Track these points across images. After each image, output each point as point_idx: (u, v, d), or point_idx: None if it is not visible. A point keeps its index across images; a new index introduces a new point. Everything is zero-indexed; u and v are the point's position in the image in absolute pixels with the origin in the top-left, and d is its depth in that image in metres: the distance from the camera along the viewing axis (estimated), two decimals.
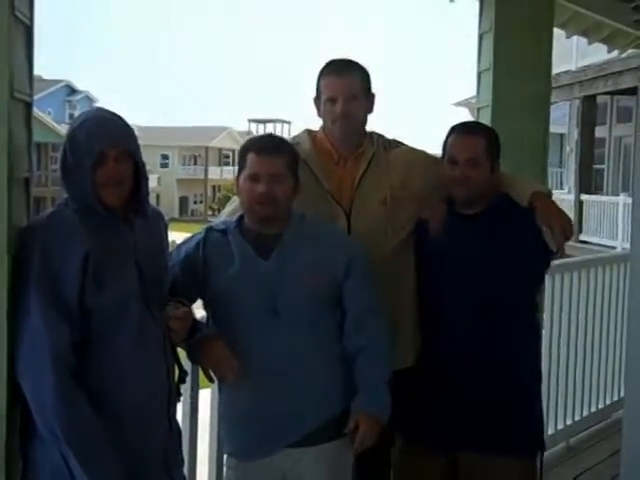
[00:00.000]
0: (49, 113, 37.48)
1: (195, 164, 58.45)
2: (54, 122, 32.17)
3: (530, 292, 2.73)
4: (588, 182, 17.21)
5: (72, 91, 46.39)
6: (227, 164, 56.26)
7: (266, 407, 2.41)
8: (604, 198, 17.07)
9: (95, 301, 2.07)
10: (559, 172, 21.28)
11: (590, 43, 6.78)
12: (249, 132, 52.19)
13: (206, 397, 2.93)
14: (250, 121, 61.46)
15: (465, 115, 18.44)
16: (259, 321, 2.39)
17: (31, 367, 2.01)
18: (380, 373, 2.46)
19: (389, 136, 2.88)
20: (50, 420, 1.99)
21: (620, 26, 5.51)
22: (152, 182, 49.35)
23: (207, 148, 56.50)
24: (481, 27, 3.78)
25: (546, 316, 4.44)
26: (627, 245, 12.83)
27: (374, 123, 2.82)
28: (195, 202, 57.97)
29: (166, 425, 2.26)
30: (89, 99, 46.13)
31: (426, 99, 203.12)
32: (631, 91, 15.10)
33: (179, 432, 2.39)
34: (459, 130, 2.69)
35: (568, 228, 2.61)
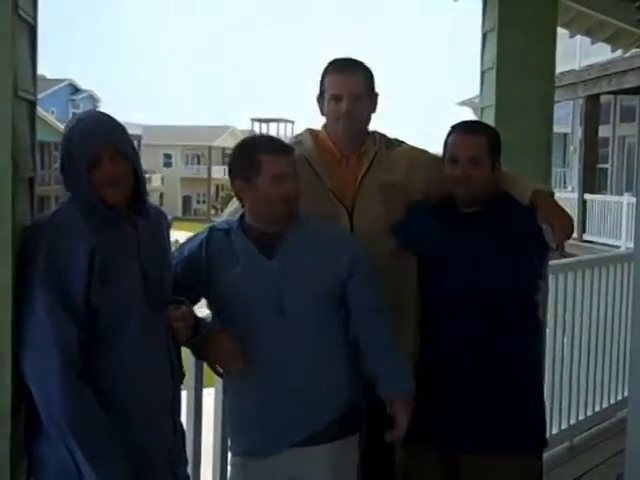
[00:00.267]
0: (52, 112, 37.54)
1: (198, 163, 58.55)
2: (57, 121, 32.19)
3: (530, 290, 2.71)
4: (592, 181, 17.19)
5: (75, 90, 46.48)
6: None
7: (272, 406, 2.41)
8: (608, 197, 17.05)
9: (101, 299, 2.07)
10: (563, 172, 21.27)
11: (594, 42, 6.78)
12: (252, 131, 52.19)
13: (210, 396, 2.94)
14: (253, 120, 61.50)
15: (468, 115, 18.45)
16: (264, 320, 2.39)
17: (37, 363, 2.01)
18: (397, 358, 2.49)
19: (391, 135, 2.88)
20: (57, 415, 1.99)
21: (624, 25, 5.50)
22: (155, 181, 49.65)
23: (210, 147, 56.58)
24: (484, 26, 3.77)
25: (550, 315, 4.43)
26: (631, 244, 12.80)
27: (377, 122, 2.83)
28: (198, 201, 58.07)
29: (170, 424, 2.26)
30: (92, 98, 46.24)
31: (429, 98, 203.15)
32: (635, 90, 15.10)
33: (183, 431, 2.39)
34: (460, 129, 2.69)
35: (569, 226, 2.61)
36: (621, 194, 16.71)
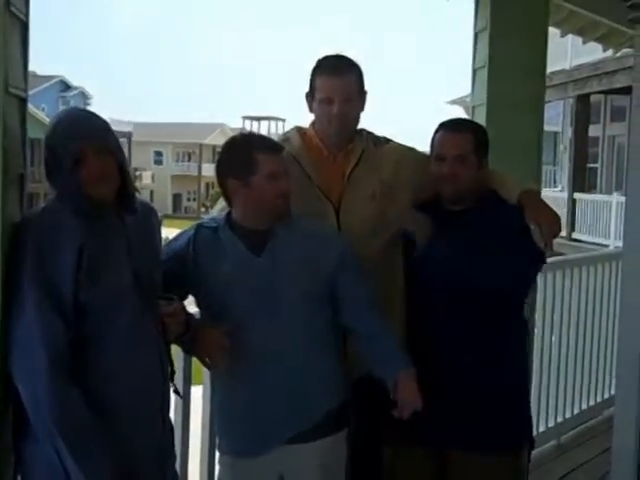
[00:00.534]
0: (43, 109, 37.33)
1: (189, 161, 58.45)
2: (48, 118, 32.08)
3: (516, 290, 2.71)
4: (582, 181, 17.25)
5: (66, 87, 46.27)
6: None
7: (262, 403, 2.42)
8: (597, 197, 17.11)
9: (89, 297, 2.06)
10: (553, 170, 21.32)
11: (585, 42, 6.79)
12: (243, 129, 52.11)
13: (198, 393, 2.94)
14: (244, 118, 61.41)
15: (460, 113, 18.44)
16: (253, 317, 2.40)
17: (25, 363, 2.00)
18: (395, 341, 2.52)
19: (380, 134, 2.89)
20: (44, 416, 1.98)
21: (615, 25, 5.52)
22: (146, 179, 49.46)
23: (201, 145, 56.46)
24: (476, 25, 3.78)
25: (538, 314, 4.45)
26: (619, 243, 12.85)
27: (368, 121, 2.83)
28: (189, 199, 57.97)
29: (160, 421, 2.26)
30: (83, 95, 46.05)
31: (420, 97, 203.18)
32: (625, 90, 15.10)
33: (172, 429, 2.39)
34: (446, 127, 2.69)
35: (556, 225, 2.63)
36: (610, 193, 16.78)
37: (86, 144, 2.09)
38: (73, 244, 2.04)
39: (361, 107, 2.75)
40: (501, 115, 3.60)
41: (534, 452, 2.83)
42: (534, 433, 2.98)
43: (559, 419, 4.82)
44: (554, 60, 12.16)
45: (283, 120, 58.59)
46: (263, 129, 52.49)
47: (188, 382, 2.90)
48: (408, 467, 2.74)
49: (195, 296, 2.52)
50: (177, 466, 2.51)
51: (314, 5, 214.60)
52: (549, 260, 4.62)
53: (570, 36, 7.27)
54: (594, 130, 18.05)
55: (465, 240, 2.63)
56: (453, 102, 20.80)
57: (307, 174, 2.67)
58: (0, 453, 2.09)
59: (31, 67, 2.32)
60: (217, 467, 2.69)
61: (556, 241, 2.69)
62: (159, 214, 2.45)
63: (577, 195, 16.93)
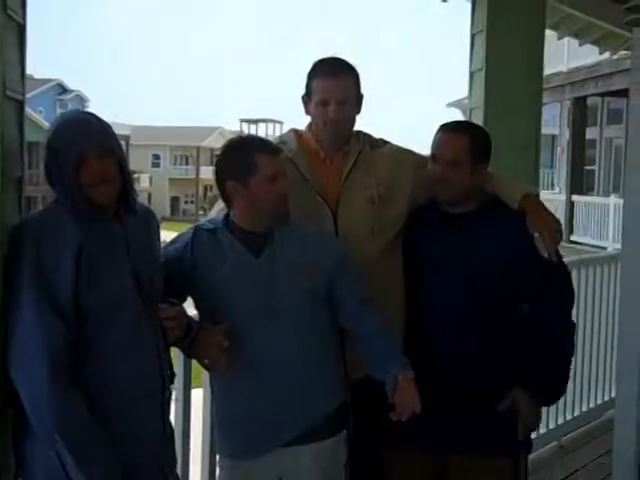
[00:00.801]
0: (40, 112, 37.31)
1: (187, 164, 58.41)
2: (45, 121, 32.06)
3: (517, 292, 2.67)
4: (579, 183, 17.27)
5: (63, 90, 46.22)
6: None
7: (263, 405, 2.41)
8: (595, 199, 17.13)
9: (89, 298, 2.06)
10: (550, 173, 21.34)
11: (581, 44, 6.81)
12: (241, 132, 52.11)
13: (198, 396, 2.93)
14: (242, 121, 61.41)
15: (458, 116, 18.46)
16: (253, 319, 2.39)
17: (26, 368, 1.99)
18: (395, 340, 2.52)
19: (377, 136, 2.88)
20: (46, 420, 1.98)
21: (612, 28, 5.53)
22: (144, 182, 49.41)
23: (199, 148, 56.45)
24: (473, 27, 3.78)
25: None
26: (618, 245, 12.86)
27: (365, 124, 2.82)
28: (186, 202, 57.91)
29: (160, 425, 2.25)
30: (80, 98, 46.00)
31: (418, 100, 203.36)
32: (622, 93, 15.13)
33: (172, 432, 2.39)
34: (445, 128, 2.67)
35: (558, 233, 2.62)
36: (608, 195, 16.80)
37: (87, 147, 2.08)
38: (72, 246, 2.04)
39: (357, 110, 2.74)
40: (498, 117, 3.59)
41: (534, 454, 2.82)
42: (534, 435, 2.97)
43: (560, 421, 4.82)
44: (551, 62, 12.20)
45: (280, 122, 58.56)
46: (260, 132, 52.42)
47: (188, 385, 2.90)
48: (407, 470, 2.74)
49: (194, 298, 2.51)
50: (178, 469, 2.51)
51: (309, 7, 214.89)
52: None
53: (567, 39, 7.30)
54: (591, 132, 18.07)
55: (462, 243, 2.63)
56: (451, 105, 20.81)
57: (304, 176, 2.67)
58: (1, 455, 2.09)
59: (28, 70, 2.32)
60: (217, 470, 2.68)
61: None
62: (158, 217, 2.46)
63: (575, 197, 16.94)
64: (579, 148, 17.06)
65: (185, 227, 2.84)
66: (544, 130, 4.76)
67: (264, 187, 2.38)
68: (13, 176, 2.19)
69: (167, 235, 2.64)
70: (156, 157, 57.01)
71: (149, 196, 48.77)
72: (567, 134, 18.19)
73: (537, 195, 2.75)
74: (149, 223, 2.34)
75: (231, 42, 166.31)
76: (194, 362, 2.63)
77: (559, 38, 6.69)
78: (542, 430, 4.56)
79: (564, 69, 16.90)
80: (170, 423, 2.36)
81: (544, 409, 4.54)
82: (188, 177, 56.83)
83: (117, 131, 2.24)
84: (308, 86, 2.70)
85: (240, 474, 2.49)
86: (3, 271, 2.05)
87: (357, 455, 2.63)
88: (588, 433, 5.02)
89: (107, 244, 2.14)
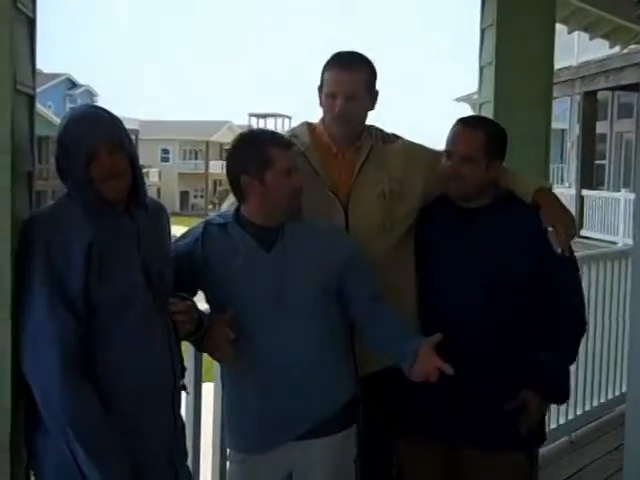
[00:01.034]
0: (50, 107, 37.46)
1: (196, 158, 58.52)
2: (55, 116, 32.14)
3: (530, 291, 2.66)
4: (589, 177, 17.22)
5: (73, 85, 46.38)
6: None
7: (274, 400, 2.42)
8: (605, 193, 17.08)
9: (99, 293, 2.06)
10: (560, 167, 21.27)
11: (592, 38, 6.78)
12: (250, 126, 52.15)
13: (209, 390, 2.94)
14: (250, 115, 61.49)
15: (466, 110, 18.44)
16: (265, 314, 2.40)
17: (37, 361, 2.00)
18: (408, 326, 2.52)
19: (388, 130, 2.87)
20: (58, 414, 1.99)
21: (622, 22, 5.51)
22: (153, 176, 49.49)
23: (208, 142, 56.53)
24: (483, 22, 3.77)
25: None
26: (628, 240, 12.83)
27: (374, 118, 2.80)
28: (196, 196, 58.03)
29: (171, 419, 2.26)
30: (90, 93, 46.14)
31: (427, 94, 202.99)
32: (632, 87, 15.08)
33: (183, 425, 2.39)
34: (461, 123, 2.66)
35: (572, 228, 2.61)
36: (618, 190, 16.74)
37: (98, 142, 2.08)
38: (83, 242, 2.04)
39: (368, 106, 2.72)
40: (508, 112, 3.57)
41: (545, 449, 2.82)
42: (545, 430, 2.96)
43: (570, 416, 4.81)
44: (561, 57, 12.14)
45: (289, 117, 58.66)
46: (269, 126, 52.43)
47: (199, 379, 2.91)
48: (418, 464, 2.74)
49: (205, 292, 2.52)
50: (189, 462, 2.51)
51: (318, 3, 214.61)
52: None
53: (577, 32, 7.26)
54: (601, 127, 18.01)
55: (476, 238, 2.62)
56: (460, 99, 20.78)
57: (315, 170, 2.66)
58: (13, 448, 2.10)
59: (37, 65, 2.32)
60: (228, 464, 2.69)
61: None
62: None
63: (585, 192, 16.89)
64: (589, 142, 17.01)
65: (194, 222, 2.84)
66: (554, 125, 4.74)
67: (280, 181, 2.38)
68: (24, 171, 2.19)
69: (176, 230, 2.64)
70: (165, 152, 57.14)
71: (158, 191, 48.90)
72: (577, 128, 18.13)
73: (551, 189, 2.74)
74: (160, 217, 2.34)
75: (240, 37, 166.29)
76: (205, 356, 2.63)
77: (569, 32, 6.66)
78: (552, 425, 4.56)
79: (574, 63, 16.83)
80: (181, 417, 2.37)
81: (554, 406, 4.55)
82: (197, 172, 56.94)
83: (126, 126, 2.24)
84: (322, 77, 2.69)
85: (251, 468, 2.49)
86: (14, 266, 2.06)
87: (367, 450, 2.63)
88: (598, 428, 5.00)
89: (118, 239, 2.14)
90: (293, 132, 2.78)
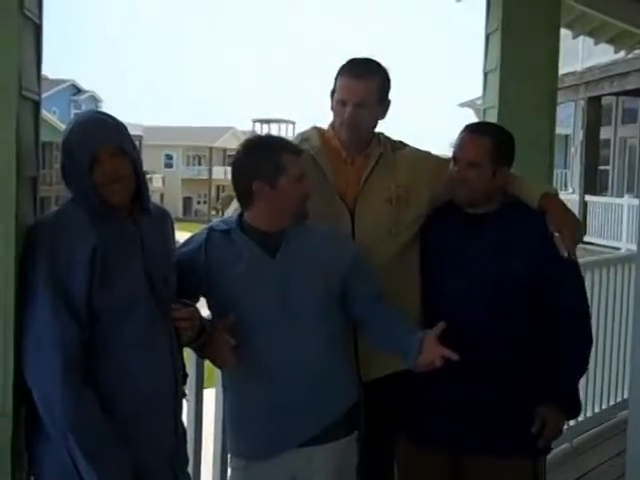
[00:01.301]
0: (54, 112, 37.53)
1: (199, 164, 58.54)
2: (59, 121, 32.23)
3: (535, 295, 2.66)
4: (593, 183, 17.21)
5: (77, 91, 46.46)
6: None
7: (276, 406, 2.41)
8: (609, 199, 17.06)
9: (102, 299, 2.07)
10: (564, 173, 21.26)
11: (596, 43, 6.78)
12: (253, 132, 52.19)
13: (211, 396, 2.94)
14: (254, 121, 61.53)
15: (470, 115, 18.43)
16: (268, 320, 2.39)
17: (39, 366, 2.00)
18: (411, 322, 2.52)
19: (394, 137, 2.88)
20: (59, 419, 1.99)
21: (627, 26, 5.51)
22: (156, 182, 49.55)
23: (211, 148, 56.57)
24: (488, 27, 3.77)
25: None
26: (631, 246, 12.82)
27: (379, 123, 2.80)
28: (199, 202, 58.07)
29: (172, 425, 2.26)
30: (94, 99, 46.23)
31: (431, 100, 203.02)
32: (636, 92, 15.11)
33: (184, 432, 2.40)
34: (468, 129, 2.66)
35: (578, 232, 2.61)
36: (622, 196, 16.74)
37: (101, 146, 2.10)
38: (87, 246, 2.05)
39: (379, 115, 2.72)
40: (512, 117, 3.57)
41: (548, 455, 2.80)
42: None
43: (572, 422, 4.79)
44: (565, 62, 12.15)
45: (293, 123, 58.72)
46: (273, 132, 52.53)
47: (200, 385, 2.91)
48: (422, 471, 2.73)
49: (207, 299, 2.51)
50: (189, 468, 2.51)
51: (322, 7, 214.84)
52: None
53: (582, 37, 7.27)
54: (605, 132, 18.00)
55: (482, 244, 2.62)
56: (464, 105, 20.77)
57: (324, 176, 2.67)
58: (14, 452, 2.10)
59: (42, 71, 2.33)
60: (229, 471, 2.68)
61: None
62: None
63: (588, 198, 16.87)
64: (593, 148, 17.00)
65: (197, 227, 2.84)
66: (558, 130, 4.74)
67: (292, 187, 2.39)
68: (28, 176, 2.20)
69: (180, 235, 2.64)
70: (169, 157, 57.19)
71: (162, 196, 48.93)
72: (581, 134, 18.12)
73: (557, 194, 2.74)
74: (163, 223, 2.35)
75: (244, 43, 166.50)
76: (207, 362, 2.63)
77: (574, 37, 6.66)
78: None
79: (578, 68, 16.83)
80: (182, 423, 2.36)
81: None
82: (201, 177, 56.96)
83: (130, 131, 2.25)
84: (335, 83, 2.70)
85: (253, 475, 2.49)
86: (18, 272, 2.06)
87: (370, 456, 2.63)
88: (601, 434, 4.99)
89: (121, 244, 2.14)
90: (303, 136, 2.78)
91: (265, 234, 2.44)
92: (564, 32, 4.65)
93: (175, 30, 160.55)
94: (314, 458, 2.44)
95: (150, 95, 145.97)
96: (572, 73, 16.33)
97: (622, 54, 7.94)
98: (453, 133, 2.71)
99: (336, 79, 2.69)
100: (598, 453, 4.71)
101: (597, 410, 5.06)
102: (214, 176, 55.88)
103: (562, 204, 2.69)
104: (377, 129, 2.78)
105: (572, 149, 20.68)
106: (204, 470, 2.98)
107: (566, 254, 2.56)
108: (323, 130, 2.78)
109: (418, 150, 2.87)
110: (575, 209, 15.67)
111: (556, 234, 2.57)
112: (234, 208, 2.67)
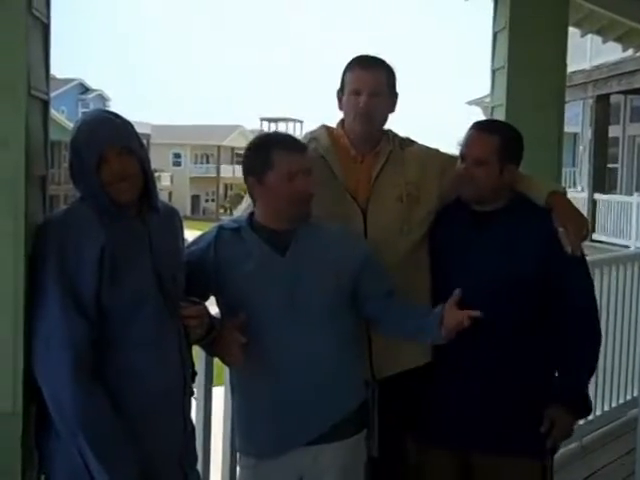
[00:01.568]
0: (63, 112, 37.64)
1: (207, 162, 58.58)
2: (67, 120, 32.31)
3: (542, 292, 2.65)
4: (601, 181, 17.16)
5: (85, 89, 46.59)
6: (239, 162, 56.24)
7: (285, 405, 2.41)
8: (617, 197, 17.02)
9: (111, 297, 2.07)
10: (572, 171, 21.21)
11: (605, 42, 6.77)
12: (261, 131, 52.20)
13: (220, 394, 2.94)
14: (262, 120, 61.56)
15: (478, 114, 18.39)
16: (277, 318, 2.39)
17: (49, 364, 2.01)
18: (426, 308, 2.51)
19: (402, 134, 2.87)
20: (69, 418, 1.99)
21: (635, 25, 5.49)
22: (164, 180, 49.62)
23: (219, 147, 56.61)
24: (496, 25, 3.77)
25: None
26: None
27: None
28: (207, 200, 58.12)
29: (181, 423, 2.26)
30: (102, 97, 46.33)
31: (439, 97, 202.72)
32: None
33: (193, 430, 2.40)
34: (475, 127, 2.66)
35: (584, 229, 2.60)
36: (631, 194, 16.68)
37: (108, 145, 2.10)
38: (95, 244, 2.05)
39: (390, 107, 2.73)
40: (520, 115, 3.57)
41: (556, 454, 2.80)
42: None
43: (581, 420, 4.78)
44: (573, 60, 12.10)
45: (301, 121, 58.73)
46: (280, 130, 52.51)
47: (209, 383, 2.91)
48: (432, 469, 2.73)
49: (217, 297, 2.52)
50: (198, 466, 2.51)
51: (332, 7, 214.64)
52: None
53: (590, 36, 7.25)
54: (614, 130, 17.95)
55: (491, 241, 2.62)
56: (472, 103, 20.74)
57: (334, 174, 2.67)
58: (24, 451, 2.10)
59: (51, 70, 2.33)
60: (238, 469, 2.68)
61: None
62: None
63: (597, 196, 16.84)
64: (601, 146, 16.95)
65: (206, 226, 2.85)
66: (566, 128, 4.73)
67: (279, 184, 2.38)
68: (38, 175, 2.20)
69: (188, 234, 2.65)
70: (177, 156, 57.24)
71: (170, 194, 49.00)
72: (589, 132, 18.07)
73: (565, 193, 2.74)
74: (172, 221, 2.35)
75: (252, 41, 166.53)
76: (216, 360, 2.63)
77: (582, 35, 6.66)
78: None
79: (587, 66, 16.78)
80: (191, 421, 2.37)
81: None
82: (209, 176, 57.00)
83: (138, 130, 2.26)
84: (343, 80, 2.71)
85: (261, 473, 2.49)
86: (28, 270, 2.07)
87: (382, 454, 2.63)
88: (610, 433, 4.98)
89: (129, 242, 2.15)
90: (313, 135, 2.79)
91: (274, 232, 2.44)
92: (572, 30, 4.64)
93: (182, 30, 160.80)
94: (322, 456, 2.43)
95: (158, 94, 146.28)
96: (580, 71, 16.28)
97: (630, 52, 7.93)
98: (461, 131, 2.71)
99: (344, 75, 2.70)
100: (607, 452, 4.69)
101: (607, 408, 5.05)
102: (222, 174, 55.93)
103: (568, 201, 2.69)
104: (386, 126, 2.79)
105: (581, 147, 20.62)
106: (213, 468, 2.98)
107: (570, 250, 2.56)
108: (332, 129, 2.78)
109: (426, 147, 2.87)
110: (584, 207, 15.68)
111: (560, 229, 2.57)
112: (246, 205, 2.68)
